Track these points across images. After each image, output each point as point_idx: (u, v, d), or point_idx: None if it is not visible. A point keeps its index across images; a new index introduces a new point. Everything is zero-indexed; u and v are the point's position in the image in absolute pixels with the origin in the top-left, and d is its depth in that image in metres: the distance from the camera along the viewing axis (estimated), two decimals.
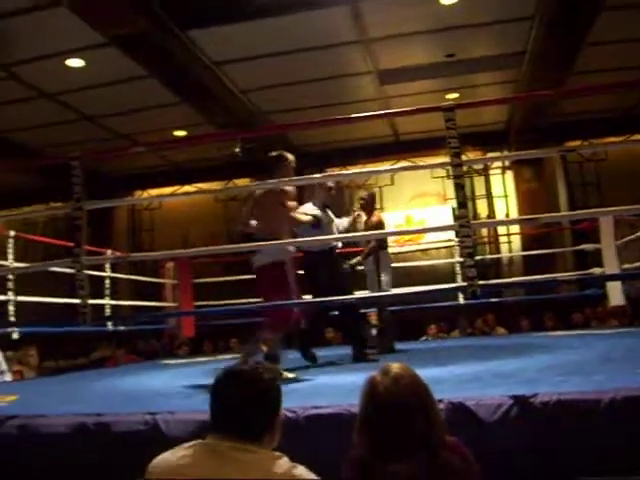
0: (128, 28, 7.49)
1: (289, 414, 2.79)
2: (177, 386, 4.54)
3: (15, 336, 6.38)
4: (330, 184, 6.15)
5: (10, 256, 6.59)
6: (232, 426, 1.92)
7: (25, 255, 11.71)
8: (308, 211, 5.73)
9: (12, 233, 6.73)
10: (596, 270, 7.72)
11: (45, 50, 8.25)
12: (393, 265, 7.36)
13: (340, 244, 6.41)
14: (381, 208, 12.86)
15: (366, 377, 2.09)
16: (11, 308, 6.44)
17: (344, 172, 10.80)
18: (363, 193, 7.26)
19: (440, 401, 2.56)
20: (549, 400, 2.59)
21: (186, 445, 1.95)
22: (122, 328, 8.45)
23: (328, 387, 3.93)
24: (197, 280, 9.29)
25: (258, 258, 4.81)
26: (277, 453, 1.92)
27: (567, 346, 5.72)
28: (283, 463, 1.87)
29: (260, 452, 1.89)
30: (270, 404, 1.99)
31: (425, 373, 2.11)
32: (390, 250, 9.59)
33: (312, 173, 8.43)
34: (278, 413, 2.02)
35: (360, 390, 2.07)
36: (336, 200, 6.34)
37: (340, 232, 6.12)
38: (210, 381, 2.08)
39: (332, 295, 5.18)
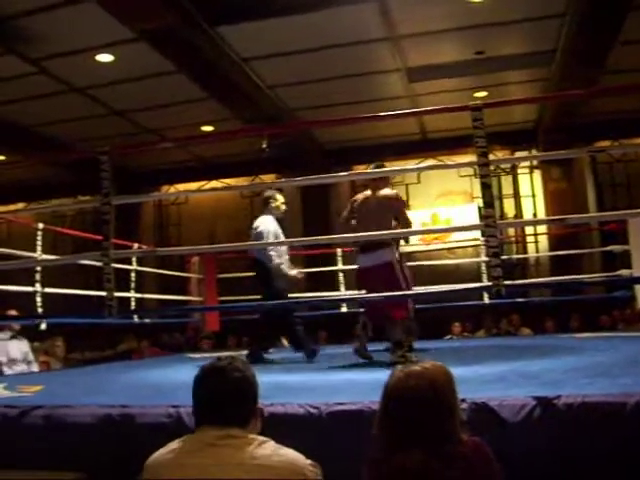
0: (157, 23, 7.54)
1: (312, 410, 2.79)
2: None
3: (43, 327, 6.46)
4: (282, 199, 6.35)
5: (38, 248, 6.66)
6: (217, 417, 2.02)
7: (54, 248, 11.86)
8: (268, 224, 6.12)
9: (40, 225, 6.80)
10: (624, 272, 7.63)
11: (75, 45, 8.34)
12: (419, 263, 7.34)
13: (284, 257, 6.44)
14: (407, 206, 12.84)
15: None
16: (38, 299, 6.53)
17: (369, 170, 10.74)
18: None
19: (463, 401, 2.55)
20: (573, 402, 2.56)
21: (175, 441, 2.05)
22: (147, 321, 8.52)
23: (350, 384, 3.93)
24: (222, 275, 9.34)
25: (368, 259, 5.24)
26: (263, 437, 2.01)
27: (593, 348, 5.65)
28: (269, 445, 1.96)
29: (246, 437, 1.98)
30: (250, 392, 2.10)
31: None
32: (416, 248, 9.73)
33: (338, 171, 8.41)
34: (257, 401, 2.12)
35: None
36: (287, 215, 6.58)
37: (280, 250, 6.23)
38: None
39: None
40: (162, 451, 2.02)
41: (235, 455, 1.91)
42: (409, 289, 5.45)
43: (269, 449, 1.94)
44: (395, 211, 5.36)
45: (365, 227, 5.20)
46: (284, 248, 6.26)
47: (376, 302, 5.32)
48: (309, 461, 1.96)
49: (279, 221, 6.30)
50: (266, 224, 6.15)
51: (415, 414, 1.94)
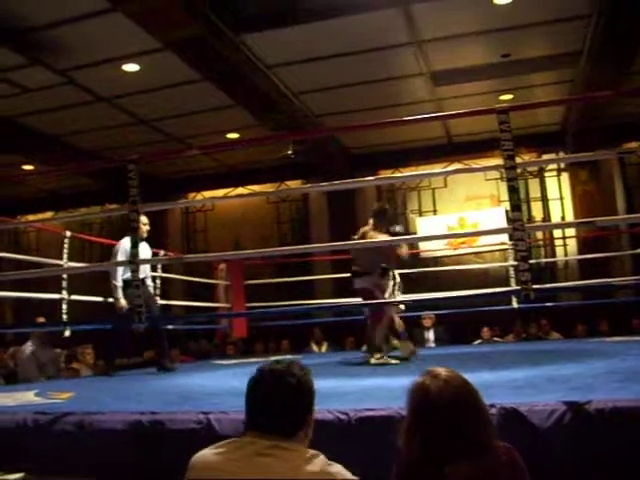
0: (182, 32, 7.59)
1: (341, 416, 2.79)
2: (229, 386, 4.57)
3: (67, 334, 6.51)
4: (145, 220, 6.60)
5: (65, 256, 6.73)
6: (267, 423, 1.94)
7: (82, 256, 11.98)
8: (123, 243, 6.34)
9: (68, 233, 6.87)
10: None
11: (101, 55, 8.43)
12: (447, 268, 7.37)
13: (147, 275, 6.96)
14: (434, 210, 12.82)
15: (411, 382, 2.07)
16: (64, 307, 6.59)
17: (395, 175, 10.78)
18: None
19: (492, 406, 2.53)
20: (605, 407, 2.53)
21: (224, 442, 1.98)
22: (171, 327, 8.54)
23: (379, 390, 3.91)
24: (249, 281, 9.37)
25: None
26: (313, 451, 1.92)
27: (624, 352, 5.58)
28: (318, 461, 1.87)
29: (295, 450, 1.90)
30: (303, 400, 2.01)
31: (478, 377, 2.09)
32: (444, 253, 9.89)
33: (364, 175, 8.40)
34: (311, 410, 2.04)
35: (407, 395, 2.06)
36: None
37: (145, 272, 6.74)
38: None
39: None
40: (208, 452, 1.96)
41: (281, 469, 1.84)
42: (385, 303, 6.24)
43: (318, 465, 1.85)
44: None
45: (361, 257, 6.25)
46: (143, 268, 6.59)
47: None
48: (356, 478, 1.89)
49: (146, 240, 6.69)
50: (122, 243, 6.45)
51: (457, 420, 1.91)
